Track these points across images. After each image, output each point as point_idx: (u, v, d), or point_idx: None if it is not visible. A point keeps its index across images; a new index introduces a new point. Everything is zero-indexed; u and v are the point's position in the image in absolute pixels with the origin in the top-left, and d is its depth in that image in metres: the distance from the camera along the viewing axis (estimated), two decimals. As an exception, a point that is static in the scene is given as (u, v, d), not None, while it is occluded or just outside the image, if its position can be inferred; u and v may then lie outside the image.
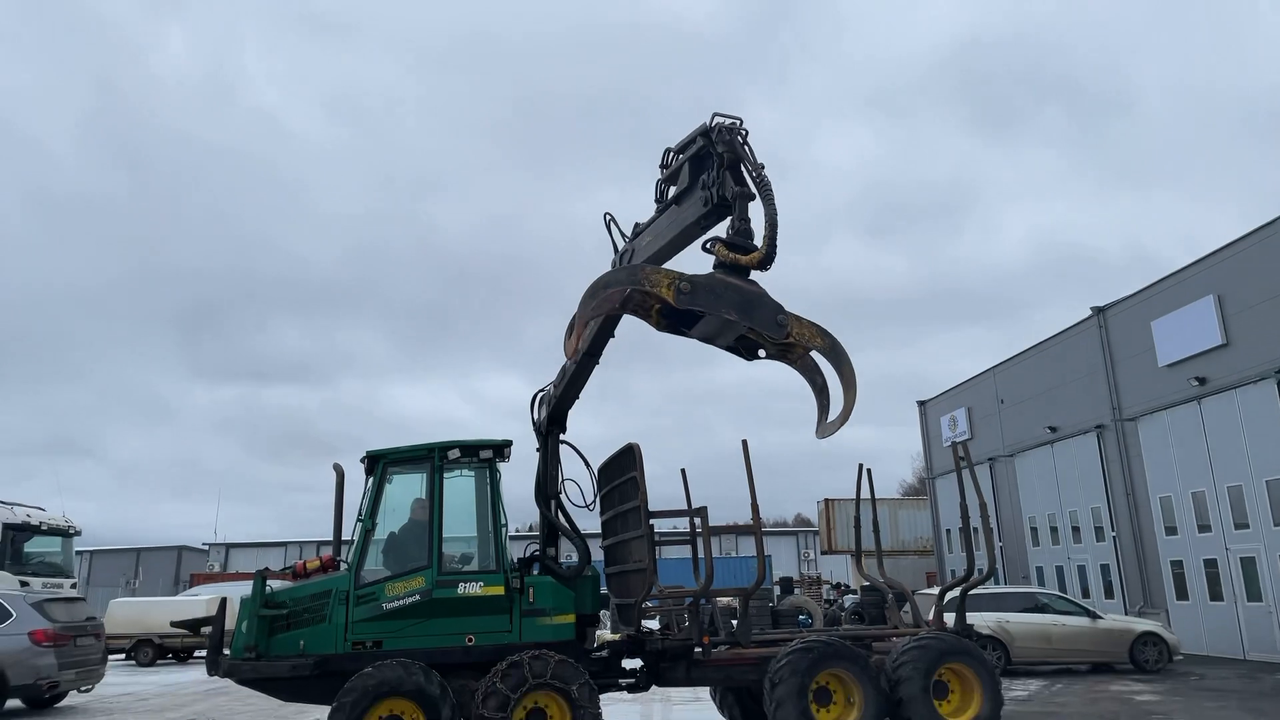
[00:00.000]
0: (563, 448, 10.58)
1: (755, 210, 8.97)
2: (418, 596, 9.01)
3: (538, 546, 10.16)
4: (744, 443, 9.63)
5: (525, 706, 8.56)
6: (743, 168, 8.93)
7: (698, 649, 9.57)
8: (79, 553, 30.98)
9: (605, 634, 11.24)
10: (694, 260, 9.46)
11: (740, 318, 8.99)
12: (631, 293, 9.13)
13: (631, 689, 9.95)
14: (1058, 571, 26.46)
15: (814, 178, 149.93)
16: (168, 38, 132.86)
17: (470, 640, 9.09)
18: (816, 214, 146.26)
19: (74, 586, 19.58)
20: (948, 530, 33.55)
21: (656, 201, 10.02)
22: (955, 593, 10.80)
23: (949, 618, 10.60)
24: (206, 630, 9.65)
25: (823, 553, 45.14)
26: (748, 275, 9.05)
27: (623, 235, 10.43)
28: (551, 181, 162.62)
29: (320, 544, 54.21)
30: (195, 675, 20.70)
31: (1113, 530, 23.78)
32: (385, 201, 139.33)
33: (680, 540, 10.17)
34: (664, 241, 9.64)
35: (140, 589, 51.69)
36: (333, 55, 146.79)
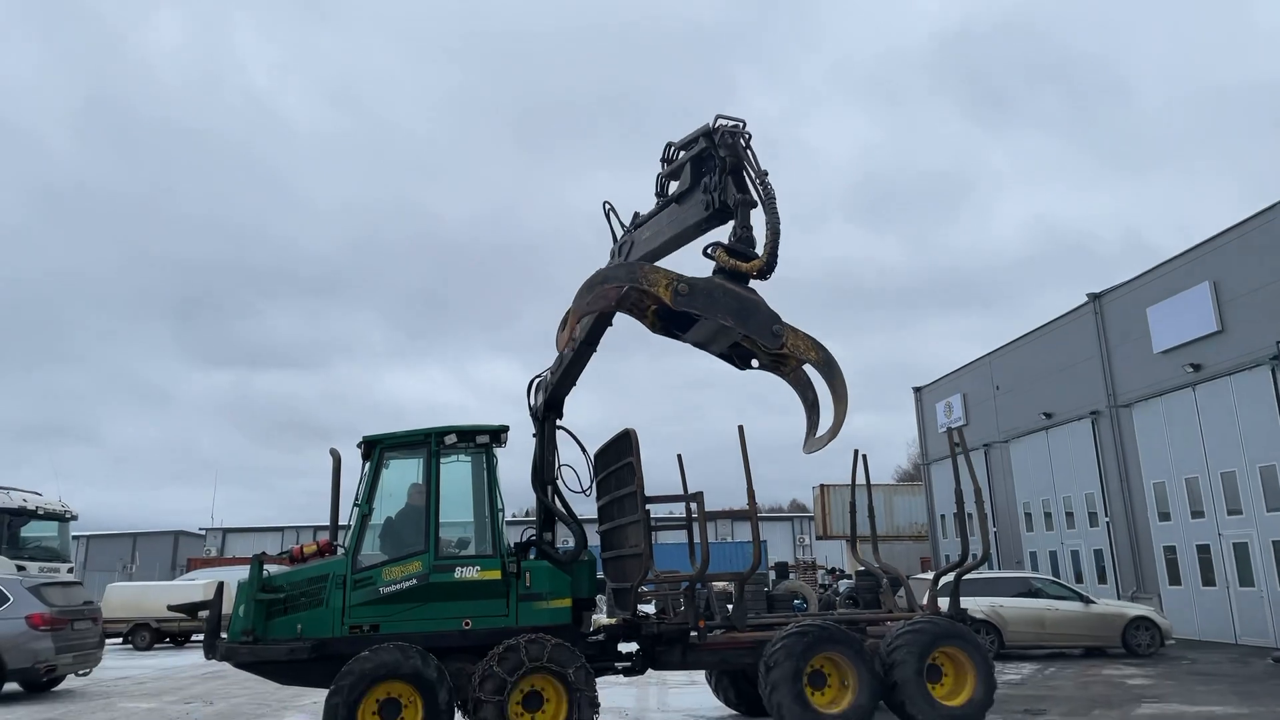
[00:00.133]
0: (559, 433, 10.61)
1: (757, 216, 8.94)
2: (415, 581, 9.04)
3: (534, 531, 10.19)
4: (740, 428, 9.65)
5: (522, 689, 8.61)
6: (745, 173, 8.89)
7: (693, 633, 9.62)
8: (76, 537, 31.02)
9: (601, 618, 11.30)
10: (694, 260, 9.45)
11: (736, 324, 8.96)
12: (629, 290, 9.11)
13: (627, 672, 10.02)
14: (1051, 556, 26.60)
15: (809, 163, 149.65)
16: (162, 24, 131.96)
17: (467, 624, 9.13)
18: (812, 200, 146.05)
19: (71, 571, 19.58)
20: (942, 516, 33.69)
21: (657, 195, 10.00)
22: (949, 577, 10.86)
23: (943, 602, 10.66)
24: (204, 614, 9.68)
25: (818, 538, 45.34)
26: (747, 282, 9.03)
27: (622, 225, 10.41)
28: (547, 167, 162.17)
29: (317, 529, 54.26)
30: (193, 659, 20.77)
31: (1106, 516, 23.90)
32: (380, 188, 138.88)
33: (676, 525, 10.21)
34: (664, 239, 9.63)
35: (137, 574, 51.72)
36: (327, 42, 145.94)
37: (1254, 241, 18.66)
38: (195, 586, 24.79)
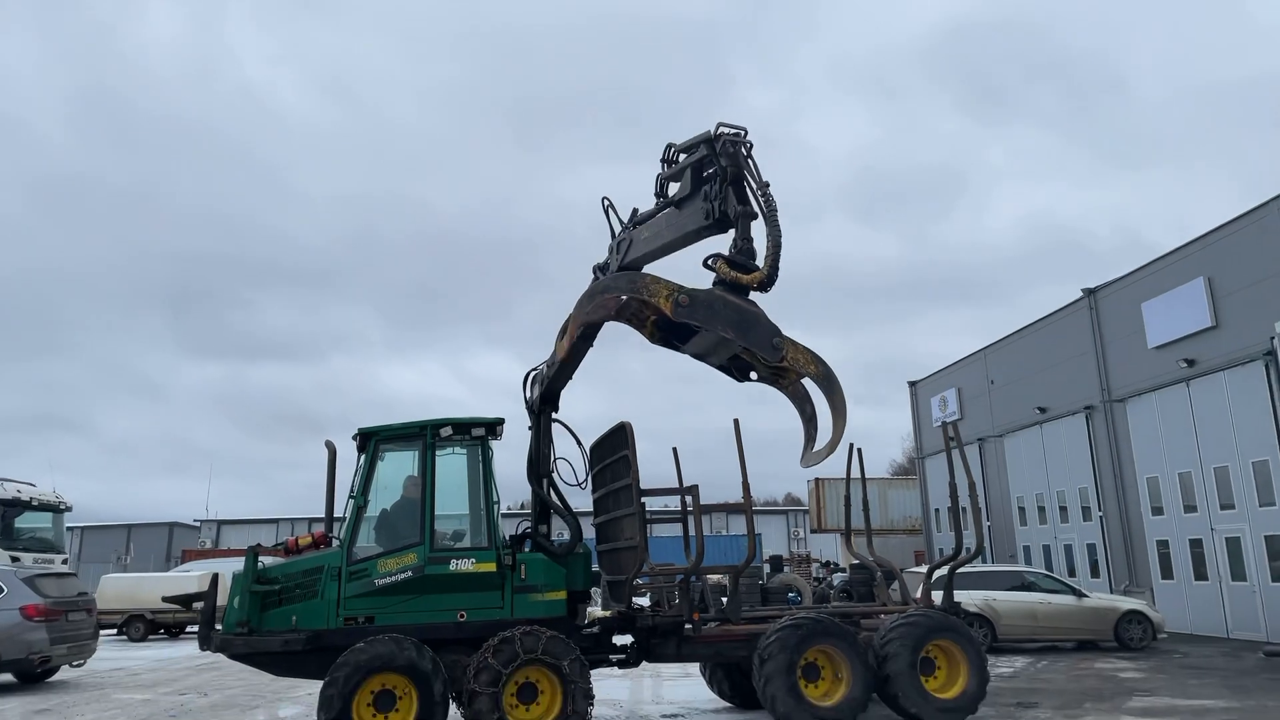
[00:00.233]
0: (555, 426, 10.61)
1: (757, 226, 8.92)
2: (410, 573, 9.05)
3: (530, 524, 10.21)
4: (735, 422, 9.66)
5: (517, 681, 8.62)
6: (746, 184, 8.87)
7: (688, 625, 9.64)
8: (70, 529, 30.98)
9: (596, 610, 11.32)
10: (693, 261, 9.43)
11: (736, 336, 8.95)
12: (628, 301, 9.10)
13: (622, 665, 10.03)
14: (1045, 550, 26.70)
15: (805, 157, 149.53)
16: (155, 16, 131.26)
17: (462, 616, 9.14)
18: (808, 194, 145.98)
19: (65, 562, 19.58)
20: (936, 510, 33.79)
21: (656, 195, 9.97)
22: (943, 571, 10.91)
23: (937, 595, 10.71)
24: (198, 606, 9.68)
25: (812, 531, 45.43)
26: (747, 294, 9.02)
27: (620, 221, 10.39)
28: (542, 161, 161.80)
29: (312, 521, 54.21)
30: (187, 650, 20.78)
31: (1099, 510, 23.99)
32: (375, 181, 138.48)
33: (671, 518, 10.24)
34: (662, 242, 9.61)
35: (132, 565, 51.74)
36: (321, 34, 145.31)
37: (1248, 237, 18.71)
38: (190, 578, 24.77)
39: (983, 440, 29.75)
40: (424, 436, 9.50)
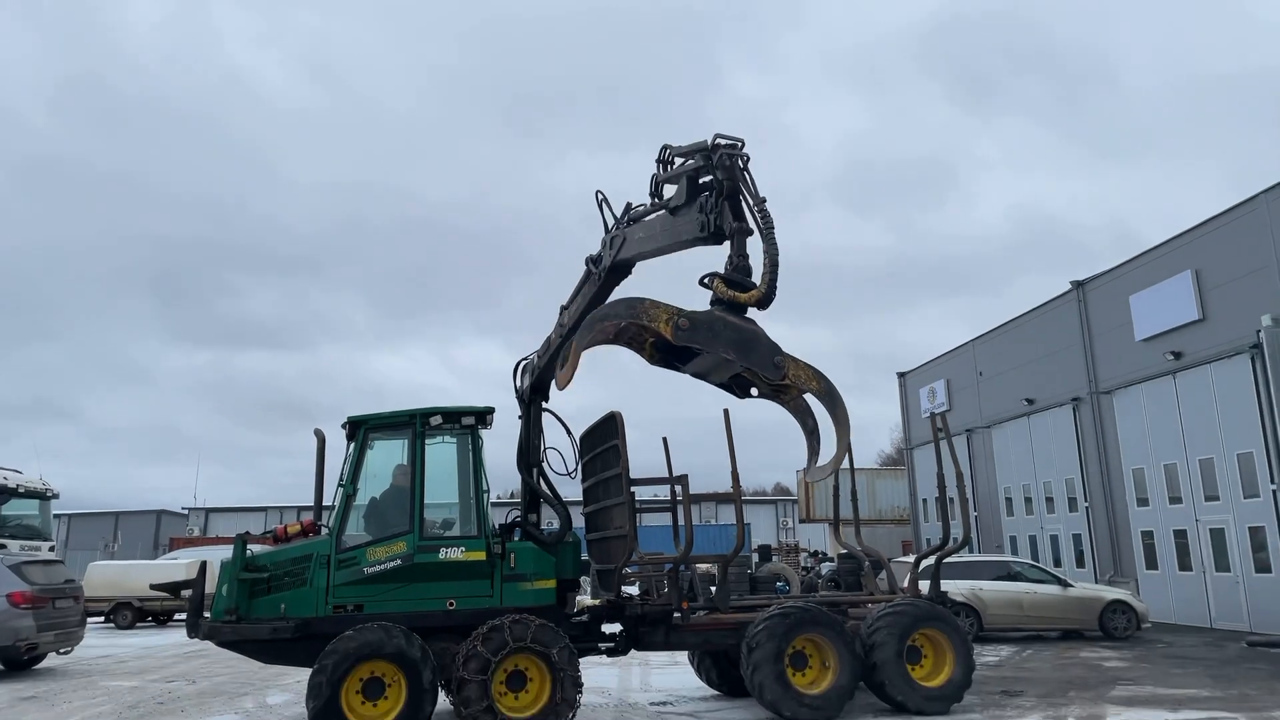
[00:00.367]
0: (545, 416, 10.61)
1: (753, 241, 8.89)
2: (399, 561, 9.06)
3: (519, 513, 10.21)
4: (725, 412, 9.69)
5: (506, 669, 8.66)
6: (742, 198, 8.85)
7: (677, 614, 9.69)
8: (57, 516, 30.80)
9: (585, 599, 11.35)
10: (691, 257, 9.41)
11: (738, 357, 8.95)
12: (626, 325, 9.08)
13: (611, 653, 10.08)
14: (1031, 541, 26.88)
15: (794, 148, 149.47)
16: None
17: (451, 604, 9.15)
18: (796, 184, 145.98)
19: (52, 549, 19.48)
20: (924, 500, 33.95)
21: (651, 195, 9.95)
22: (930, 561, 10.97)
23: (924, 585, 10.78)
24: (186, 593, 9.66)
25: (801, 521, 45.63)
26: (745, 312, 9.01)
27: (613, 214, 10.36)
28: (531, 148, 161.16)
29: (301, 509, 54.17)
30: (175, 638, 20.74)
31: (1086, 501, 24.16)
32: (362, 167, 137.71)
33: (661, 507, 10.26)
34: (656, 245, 9.60)
35: (119, 553, 51.41)
36: (308, 19, 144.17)
37: (1236, 231, 18.81)
38: (178, 566, 24.70)
39: (970, 431, 29.90)
40: (414, 425, 9.50)
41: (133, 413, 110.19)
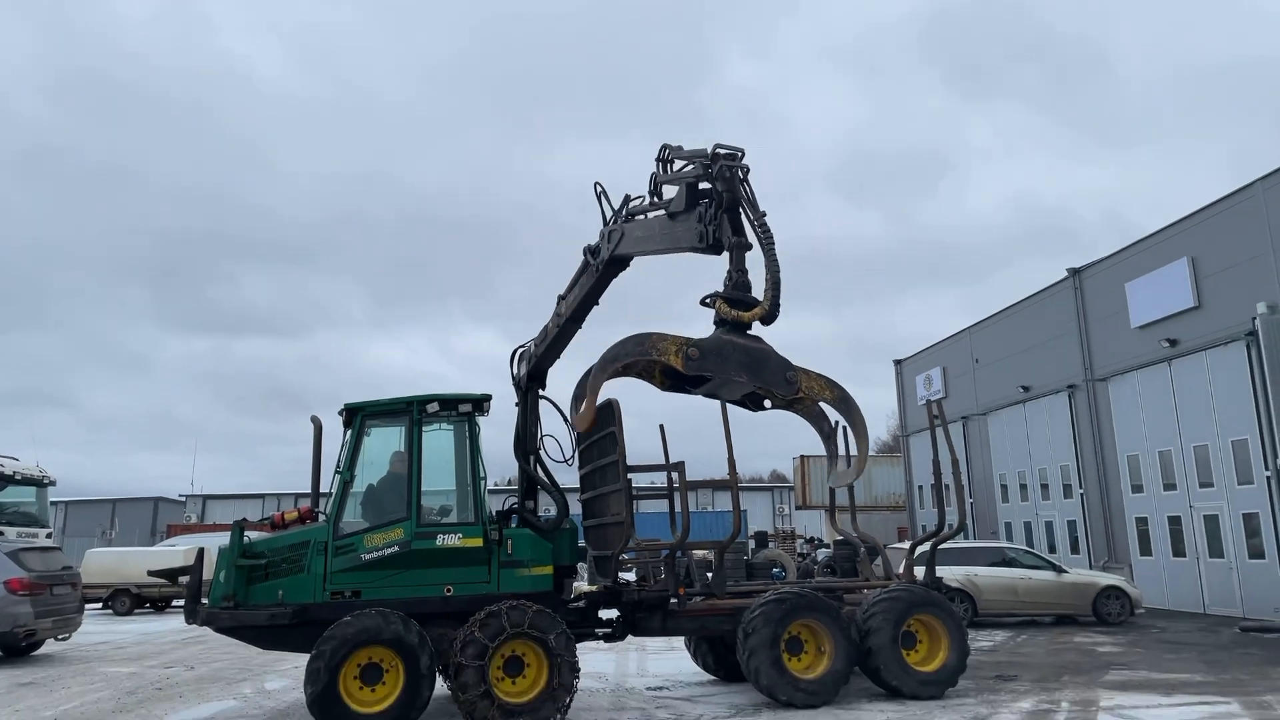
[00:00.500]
0: (542, 403, 10.62)
1: (753, 253, 8.84)
2: (396, 547, 9.06)
3: (517, 499, 10.24)
4: (722, 400, 9.70)
5: (503, 655, 8.68)
6: (742, 210, 8.79)
7: (673, 600, 9.73)
8: (54, 503, 30.79)
9: (582, 585, 11.39)
10: (688, 258, 9.35)
11: (749, 379, 8.93)
12: (635, 360, 9.07)
13: (608, 639, 10.12)
14: (1026, 527, 27.00)
15: (791, 135, 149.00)
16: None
17: (449, 590, 9.17)
18: (793, 172, 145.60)
19: (49, 536, 19.49)
20: (920, 486, 34.07)
21: (650, 194, 9.92)
22: (925, 547, 11.02)
23: (919, 571, 10.83)
24: (184, 579, 9.67)
25: (797, 508, 45.76)
26: (749, 329, 8.97)
27: (611, 207, 10.33)
28: (525, 137, 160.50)
29: (298, 496, 54.19)
30: (173, 624, 20.79)
31: (1080, 487, 24.25)
32: (358, 156, 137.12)
33: (657, 494, 10.28)
34: (654, 246, 9.58)
35: (116, 540, 51.48)
36: (306, 9, 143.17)
37: (1232, 218, 18.82)
38: (175, 552, 24.70)
39: (966, 418, 29.96)
40: (411, 412, 9.49)
41: (130, 400, 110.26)
